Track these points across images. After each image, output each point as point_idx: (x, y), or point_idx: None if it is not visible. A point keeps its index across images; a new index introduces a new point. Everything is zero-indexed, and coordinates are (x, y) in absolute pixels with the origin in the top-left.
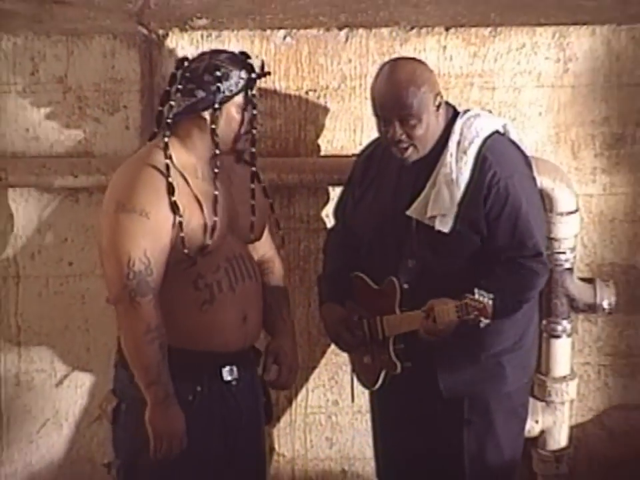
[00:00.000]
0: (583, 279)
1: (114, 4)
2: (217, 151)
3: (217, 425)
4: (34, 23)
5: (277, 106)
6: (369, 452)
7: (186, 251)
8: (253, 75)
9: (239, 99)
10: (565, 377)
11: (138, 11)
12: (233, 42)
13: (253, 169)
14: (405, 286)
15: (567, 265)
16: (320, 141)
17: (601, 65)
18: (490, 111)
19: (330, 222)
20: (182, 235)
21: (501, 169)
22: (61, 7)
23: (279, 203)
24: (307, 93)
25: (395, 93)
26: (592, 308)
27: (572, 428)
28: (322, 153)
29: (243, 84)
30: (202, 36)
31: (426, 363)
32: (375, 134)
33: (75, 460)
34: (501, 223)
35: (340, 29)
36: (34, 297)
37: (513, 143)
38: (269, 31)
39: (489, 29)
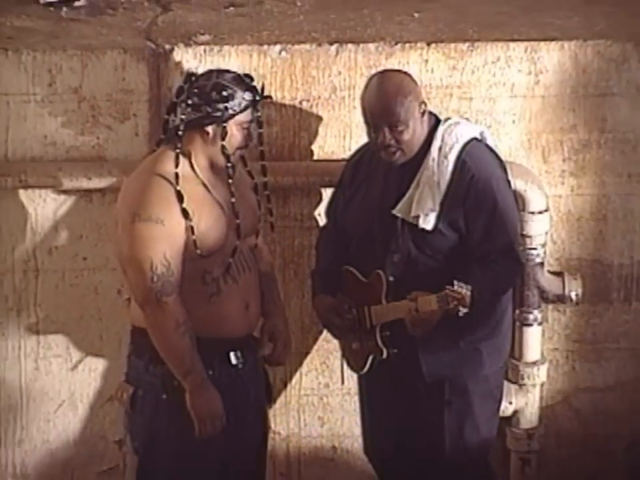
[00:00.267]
0: (552, 273)
1: (124, 21)
2: (229, 163)
3: (227, 405)
4: (51, 38)
5: (273, 114)
6: (357, 430)
7: (198, 251)
8: (257, 97)
9: (241, 117)
10: (536, 362)
11: (146, 27)
12: (233, 56)
13: (264, 179)
14: (391, 278)
15: (538, 260)
16: (313, 147)
17: (569, 77)
18: (468, 119)
19: (322, 220)
20: (193, 237)
21: (479, 172)
22: (76, 24)
23: (275, 203)
24: (300, 102)
25: (385, 102)
26: (561, 299)
27: (542, 408)
28: (314, 158)
29: (246, 104)
30: (205, 50)
31: (410, 349)
32: (363, 140)
33: (89, 437)
34: (478, 221)
35: (331, 44)
36: (51, 289)
37: (490, 148)
38: (266, 46)
39: (467, 44)
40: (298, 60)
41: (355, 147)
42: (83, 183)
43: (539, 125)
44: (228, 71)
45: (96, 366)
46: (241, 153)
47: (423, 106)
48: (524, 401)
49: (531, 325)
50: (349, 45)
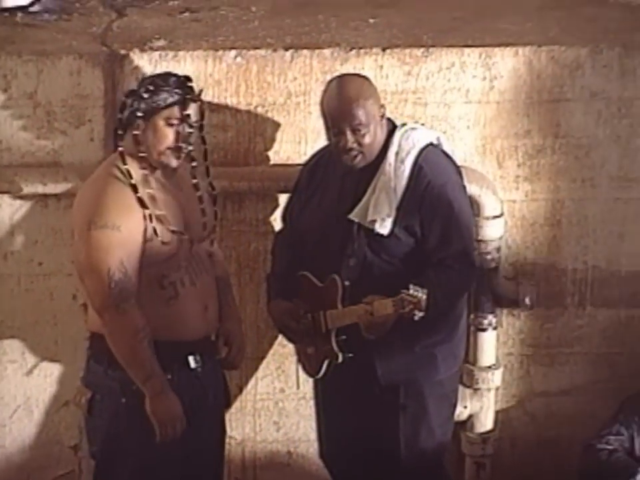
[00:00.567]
0: (507, 277)
1: (80, 27)
2: (167, 161)
3: (186, 409)
4: (7, 43)
5: (228, 120)
6: (313, 435)
7: (165, 239)
8: (188, 96)
9: (168, 113)
10: (490, 367)
11: (102, 33)
12: (188, 61)
13: (208, 179)
14: (347, 283)
15: (493, 265)
16: (268, 152)
17: (523, 82)
18: (423, 125)
19: (278, 225)
20: (153, 225)
21: (435, 178)
22: (32, 29)
23: (230, 207)
24: (255, 108)
25: (347, 105)
26: (515, 303)
27: (497, 413)
28: (270, 163)
29: (172, 100)
30: (160, 56)
31: (365, 353)
32: (318, 145)
33: (44, 442)
34: (434, 227)
35: (286, 49)
36: (6, 294)
37: (446, 154)
38: (221, 52)
39: (422, 49)
40: (253, 65)
41: (310, 152)
42: (39, 188)
43: (494, 131)
44: (169, 73)
45: (51, 371)
46: (171, 154)
47: (382, 109)
48: (479, 405)
49: (485, 329)
50: (304, 51)
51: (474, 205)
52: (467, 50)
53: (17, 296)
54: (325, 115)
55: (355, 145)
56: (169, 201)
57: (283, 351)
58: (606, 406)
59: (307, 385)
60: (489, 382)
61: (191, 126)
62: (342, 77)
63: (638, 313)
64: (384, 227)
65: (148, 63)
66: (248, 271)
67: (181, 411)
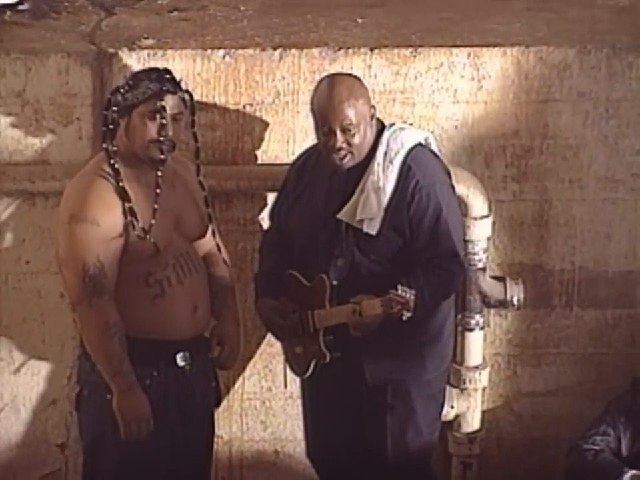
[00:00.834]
0: (494, 277)
1: (68, 25)
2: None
3: (173, 406)
4: None
5: (216, 119)
6: (300, 434)
7: (151, 238)
8: (164, 88)
9: (145, 107)
10: (477, 367)
11: (90, 31)
12: (177, 60)
13: (199, 178)
14: (335, 283)
15: (480, 265)
16: (256, 151)
17: (511, 83)
18: (411, 125)
19: (265, 225)
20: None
21: (423, 178)
22: (20, 27)
23: (218, 207)
24: (244, 107)
25: (338, 105)
26: (502, 304)
27: (484, 413)
28: (258, 162)
29: (150, 93)
30: (148, 54)
31: (353, 353)
32: (306, 144)
33: (31, 441)
34: (422, 227)
35: (274, 49)
36: None
37: (434, 154)
38: (209, 51)
39: (410, 49)
40: (242, 64)
41: (298, 151)
42: (27, 187)
43: (482, 131)
44: (152, 68)
45: (38, 369)
46: (155, 148)
47: (373, 110)
48: (465, 405)
49: (472, 329)
50: (293, 50)
51: (462, 205)
52: (455, 50)
53: (4, 294)
54: (315, 113)
55: (344, 145)
56: (150, 199)
57: (270, 350)
58: (592, 406)
59: (294, 384)
60: (476, 382)
61: (163, 117)
62: (333, 77)
63: (625, 313)
64: (372, 227)
65: (136, 62)
66: (235, 270)
67: (148, 411)
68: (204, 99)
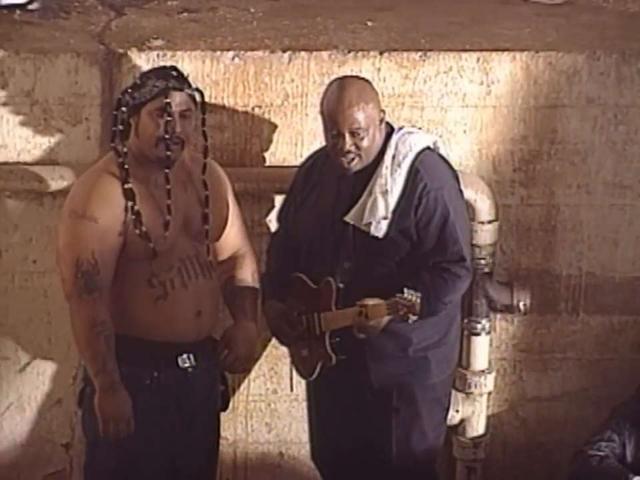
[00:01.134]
0: (501, 282)
1: (78, 25)
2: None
3: (173, 408)
4: (4, 41)
5: (225, 120)
6: (305, 437)
7: (151, 245)
8: (170, 85)
9: (151, 105)
10: (483, 371)
11: (100, 31)
12: (186, 61)
13: (202, 176)
14: (341, 285)
15: (487, 269)
16: (264, 153)
17: (520, 87)
18: (420, 128)
19: (273, 227)
20: (143, 230)
21: (431, 182)
22: (30, 27)
23: None
24: (252, 109)
25: (347, 109)
26: (509, 308)
27: (489, 417)
28: (266, 164)
29: (157, 91)
30: (158, 55)
31: (359, 355)
32: (314, 147)
33: (36, 440)
34: (430, 230)
35: (283, 51)
36: (1, 291)
37: (443, 158)
38: (219, 52)
39: (419, 53)
40: (251, 66)
41: (306, 154)
42: (35, 186)
43: (490, 135)
44: (160, 67)
45: (44, 369)
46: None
47: (382, 113)
48: (471, 410)
49: (479, 334)
50: (302, 53)
51: (469, 209)
52: (464, 54)
53: (10, 293)
54: (324, 116)
55: (352, 148)
56: (159, 202)
57: (276, 352)
58: (597, 412)
59: (300, 386)
60: (482, 386)
61: (170, 115)
62: (344, 79)
63: (631, 319)
64: (379, 230)
65: (146, 63)
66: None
67: (128, 412)
68: (213, 101)
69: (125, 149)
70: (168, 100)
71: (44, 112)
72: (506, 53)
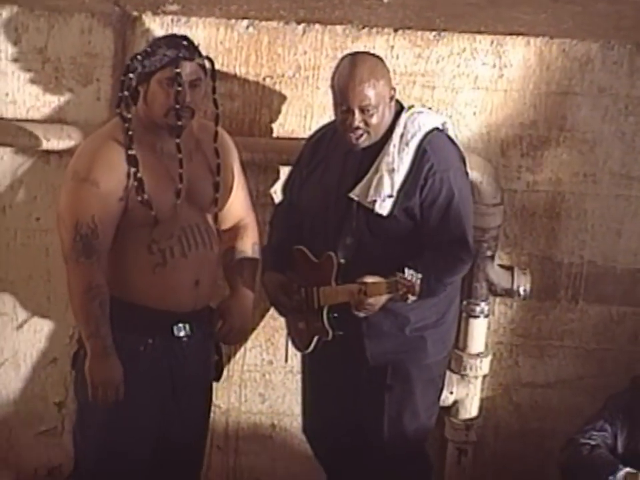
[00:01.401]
0: (502, 266)
1: None
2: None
3: (165, 375)
4: None
5: (235, 89)
6: (297, 409)
7: (153, 212)
8: (180, 54)
9: (162, 74)
10: (479, 354)
11: None
12: (200, 27)
13: (215, 144)
14: (342, 261)
15: (489, 253)
16: (273, 124)
17: (532, 73)
18: (430, 108)
19: (278, 198)
20: (144, 197)
21: (438, 163)
22: None
23: None
24: (264, 79)
25: (359, 84)
26: (509, 293)
27: (482, 400)
28: (274, 135)
29: (167, 61)
30: (172, 20)
31: (355, 332)
32: (324, 120)
33: (29, 397)
34: (434, 211)
35: (298, 23)
36: (2, 247)
37: (450, 139)
38: (233, 20)
39: (434, 33)
40: (264, 36)
41: (315, 126)
42: (41, 144)
43: (499, 119)
44: (170, 35)
45: (41, 327)
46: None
47: (392, 91)
48: (465, 392)
49: (477, 316)
50: (316, 25)
51: (474, 192)
52: (478, 36)
53: (12, 250)
54: (334, 91)
55: (361, 124)
56: (165, 169)
57: (273, 323)
58: (591, 401)
59: (295, 359)
60: (477, 369)
61: (180, 84)
62: (356, 55)
63: (630, 310)
64: (384, 208)
65: (160, 27)
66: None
67: (119, 378)
68: (224, 69)
69: (130, 115)
70: (179, 70)
71: (55, 70)
72: (520, 37)
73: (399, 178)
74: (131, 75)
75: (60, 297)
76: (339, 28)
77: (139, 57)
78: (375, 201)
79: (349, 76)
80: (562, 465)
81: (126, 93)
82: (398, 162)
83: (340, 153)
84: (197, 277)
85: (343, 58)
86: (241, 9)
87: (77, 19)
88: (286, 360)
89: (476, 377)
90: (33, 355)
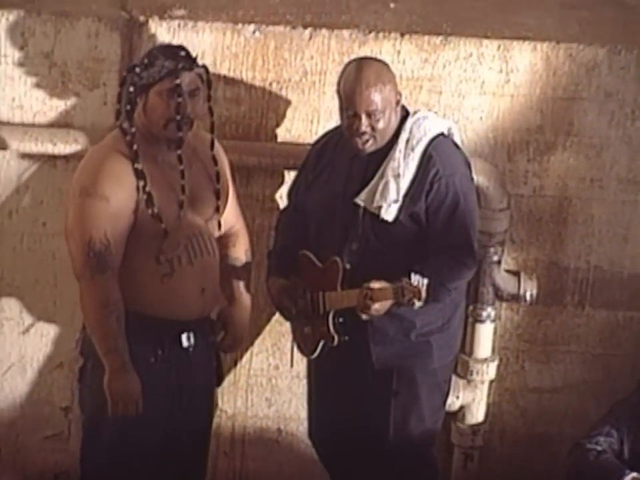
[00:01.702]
0: (509, 271)
1: None
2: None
3: (173, 385)
4: (26, 1)
5: (242, 94)
6: (303, 414)
7: (163, 225)
8: (179, 65)
9: (161, 86)
10: (486, 359)
11: None
12: (207, 32)
13: (212, 152)
14: (348, 266)
15: (495, 258)
16: (279, 129)
17: (539, 78)
18: (436, 113)
19: (283, 202)
20: (155, 210)
21: (444, 168)
22: None
23: (238, 182)
24: (270, 84)
25: (364, 90)
26: (515, 298)
27: (489, 405)
28: (280, 140)
29: (166, 72)
30: (179, 25)
31: (361, 337)
32: (330, 125)
33: (36, 401)
34: (439, 216)
35: (305, 27)
36: (9, 252)
37: (456, 145)
38: (240, 25)
39: (440, 37)
40: (271, 41)
41: (321, 131)
42: (48, 148)
43: (506, 124)
44: (166, 45)
45: (48, 331)
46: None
47: (398, 96)
48: (471, 397)
49: (483, 321)
50: (323, 30)
51: (481, 197)
52: (485, 41)
53: (19, 254)
54: (340, 96)
55: (367, 129)
56: (167, 180)
57: (280, 328)
58: (598, 406)
59: (301, 363)
60: (483, 374)
61: (181, 95)
62: (362, 60)
63: (637, 315)
64: (389, 213)
65: (166, 32)
66: (251, 246)
67: (138, 392)
68: (231, 74)
69: (134, 129)
70: (179, 81)
71: (62, 75)
72: (527, 42)
73: (405, 183)
74: (131, 88)
75: (66, 302)
76: (345, 33)
77: (136, 68)
78: (380, 207)
79: (356, 81)
80: (568, 470)
81: (128, 107)
82: (404, 167)
83: (346, 158)
84: (203, 284)
85: (349, 63)
86: (247, 14)
87: (84, 23)
88: (292, 365)
89: (482, 382)
90: (39, 360)
